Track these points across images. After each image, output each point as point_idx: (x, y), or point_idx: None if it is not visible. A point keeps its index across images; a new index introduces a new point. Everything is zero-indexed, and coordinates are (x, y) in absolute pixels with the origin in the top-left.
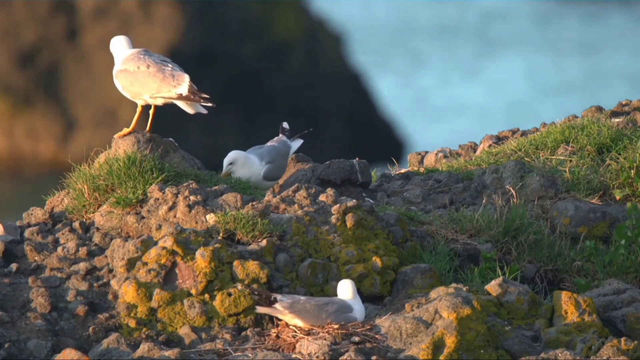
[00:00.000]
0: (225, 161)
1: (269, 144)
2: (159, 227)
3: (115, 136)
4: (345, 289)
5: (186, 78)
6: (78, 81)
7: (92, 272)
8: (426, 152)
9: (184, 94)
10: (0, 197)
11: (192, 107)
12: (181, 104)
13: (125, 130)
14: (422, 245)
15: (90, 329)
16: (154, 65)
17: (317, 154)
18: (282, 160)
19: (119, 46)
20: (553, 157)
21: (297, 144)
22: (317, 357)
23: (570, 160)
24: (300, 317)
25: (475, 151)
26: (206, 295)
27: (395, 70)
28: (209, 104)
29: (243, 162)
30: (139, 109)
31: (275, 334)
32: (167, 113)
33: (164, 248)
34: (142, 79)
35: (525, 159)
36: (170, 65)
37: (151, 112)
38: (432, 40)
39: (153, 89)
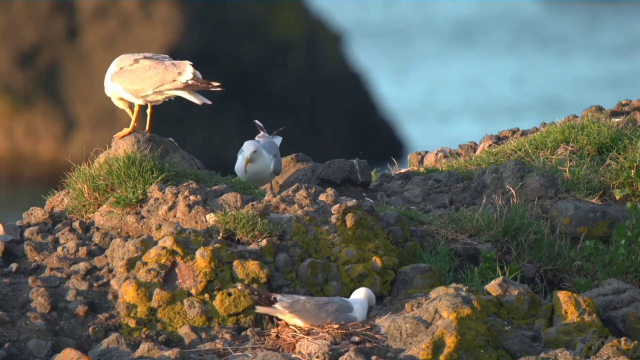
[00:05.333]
0: (249, 149)
1: (260, 140)
2: (159, 227)
3: (115, 136)
4: (358, 294)
5: (188, 64)
6: (78, 81)
7: (92, 272)
8: (426, 152)
9: (189, 81)
10: (0, 196)
11: (197, 97)
12: (186, 95)
13: (125, 131)
14: (422, 245)
15: (90, 328)
16: (150, 59)
17: (317, 154)
18: (279, 154)
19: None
20: (553, 157)
21: (278, 140)
22: (317, 357)
23: (570, 160)
24: (300, 316)
25: (475, 151)
26: (206, 295)
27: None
28: (218, 89)
29: (261, 153)
30: (136, 108)
31: (275, 334)
32: (167, 113)
33: (163, 248)
34: (142, 73)
35: (525, 158)
36: (167, 58)
37: (148, 111)
38: None
39: (156, 81)
